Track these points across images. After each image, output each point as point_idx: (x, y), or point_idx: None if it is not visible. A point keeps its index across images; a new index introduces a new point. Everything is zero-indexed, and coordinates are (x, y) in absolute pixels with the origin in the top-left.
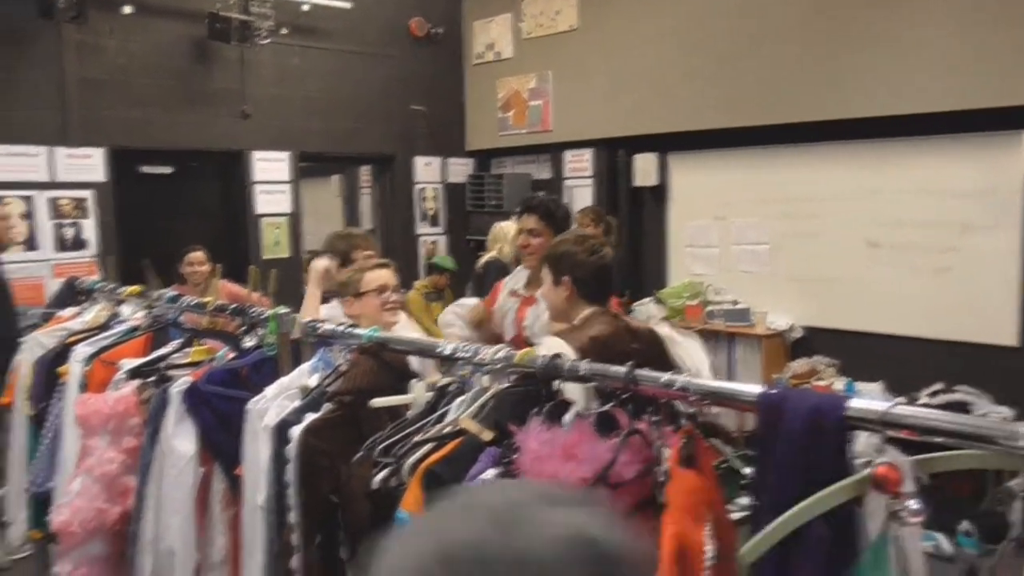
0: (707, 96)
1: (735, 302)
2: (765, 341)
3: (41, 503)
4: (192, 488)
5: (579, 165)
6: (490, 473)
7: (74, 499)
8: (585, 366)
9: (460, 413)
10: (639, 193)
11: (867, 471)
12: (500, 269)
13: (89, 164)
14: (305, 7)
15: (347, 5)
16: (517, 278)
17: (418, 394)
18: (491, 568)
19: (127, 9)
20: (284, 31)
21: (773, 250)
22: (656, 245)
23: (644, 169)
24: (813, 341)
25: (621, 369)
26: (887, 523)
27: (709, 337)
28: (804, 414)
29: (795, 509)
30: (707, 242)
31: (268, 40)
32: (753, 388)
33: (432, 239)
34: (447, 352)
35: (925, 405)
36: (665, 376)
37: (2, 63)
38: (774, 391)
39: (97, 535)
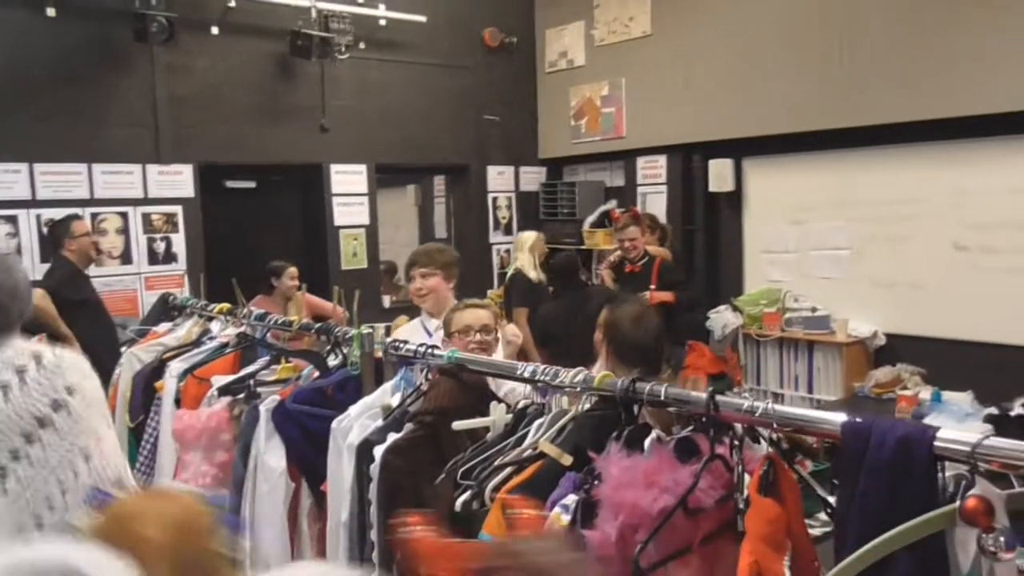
0: (783, 99)
1: (814, 309)
2: (846, 349)
3: None
4: (284, 502)
5: (653, 171)
6: (570, 499)
7: None
8: (666, 390)
9: (539, 436)
10: (714, 199)
11: (956, 504)
12: (522, 281)
13: (179, 180)
14: (382, 21)
15: (422, 18)
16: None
17: (498, 416)
18: None
19: (215, 30)
20: (362, 46)
21: (854, 255)
22: (732, 251)
23: (719, 174)
24: (897, 349)
25: (701, 395)
26: (978, 558)
27: (788, 345)
28: (891, 446)
29: (879, 540)
30: (784, 248)
31: (347, 55)
32: (837, 416)
33: (505, 248)
34: (526, 374)
35: (1019, 416)
36: (746, 403)
37: (101, 86)
38: (859, 420)
39: None
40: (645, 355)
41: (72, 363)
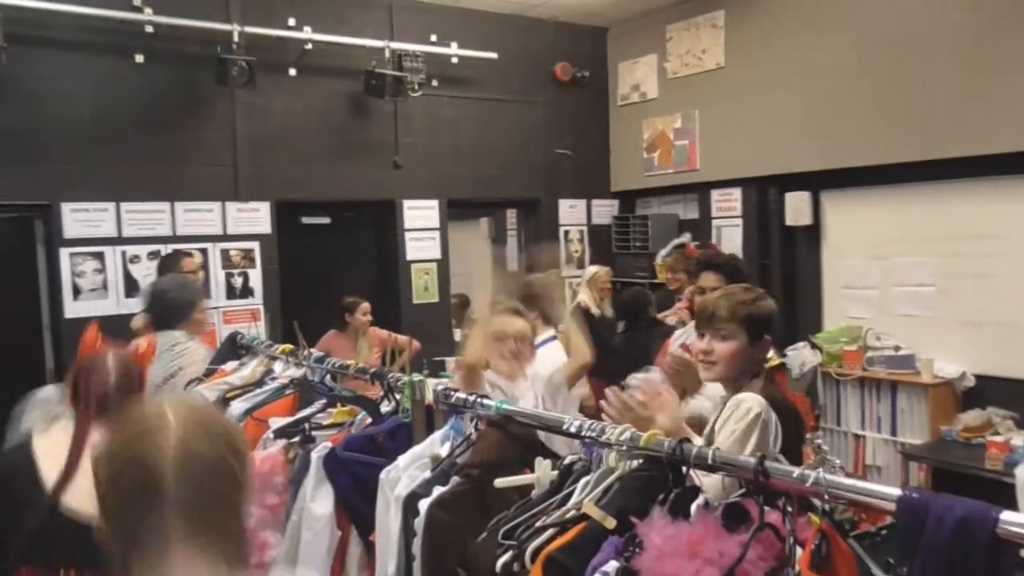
0: (861, 131)
1: (897, 347)
2: (932, 390)
3: None
4: (328, 551)
5: (727, 204)
6: (611, 566)
7: None
8: (713, 454)
9: (584, 495)
10: (791, 232)
11: None
12: (582, 315)
13: (256, 217)
14: (454, 59)
15: (493, 55)
16: (689, 332)
17: (543, 473)
18: None
19: (292, 71)
20: (434, 83)
21: (939, 292)
22: (810, 287)
23: (796, 207)
24: (987, 391)
25: (750, 460)
26: None
27: (869, 384)
28: (950, 526)
29: None
30: (865, 283)
31: (419, 92)
32: (893, 491)
33: (578, 281)
34: (572, 429)
35: None
36: (797, 470)
37: (184, 128)
38: (915, 496)
39: None
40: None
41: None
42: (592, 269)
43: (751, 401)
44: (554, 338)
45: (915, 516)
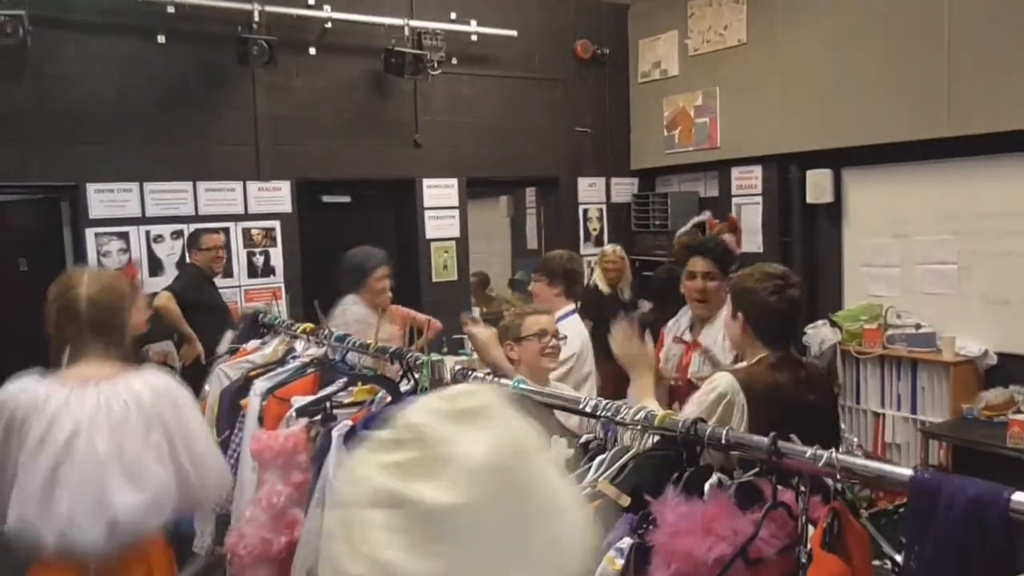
0: (883, 108)
1: (918, 326)
2: (953, 368)
3: (226, 522)
4: None
5: (748, 182)
6: (625, 542)
7: (243, 526)
8: (727, 433)
9: (599, 473)
10: (812, 210)
11: None
12: (589, 293)
13: (277, 196)
14: (474, 37)
15: (514, 33)
16: (680, 323)
17: (559, 451)
18: None
19: (312, 51)
20: (454, 61)
21: (962, 270)
22: (831, 265)
23: (817, 185)
24: (1010, 369)
25: (763, 440)
26: None
27: (889, 362)
28: (962, 506)
29: None
30: (886, 262)
31: (439, 71)
32: (905, 471)
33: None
34: (588, 408)
35: None
36: (810, 450)
37: (206, 107)
38: (927, 476)
39: (263, 562)
40: (789, 326)
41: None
42: (605, 247)
43: (719, 380)
44: (574, 311)
45: (927, 496)
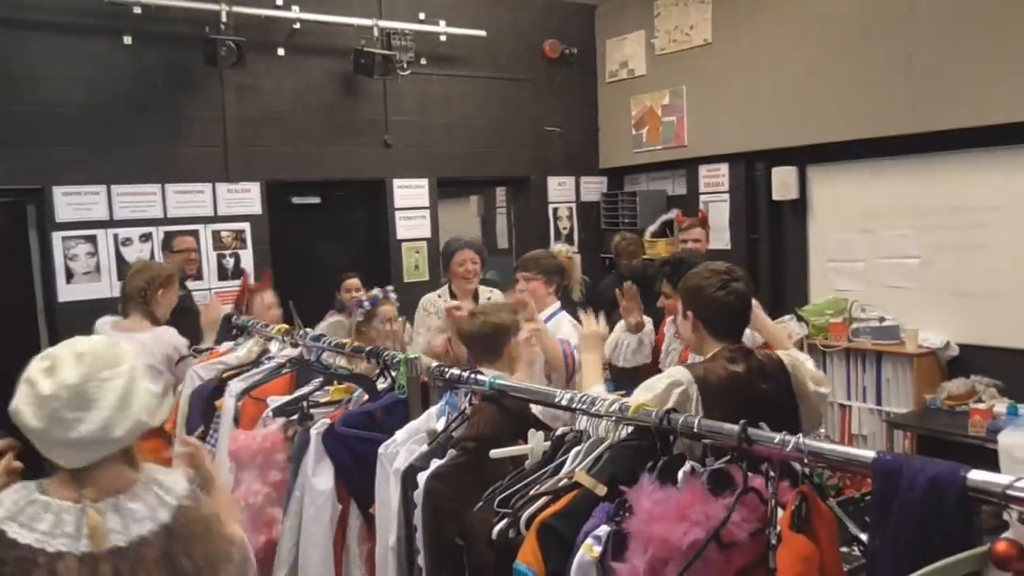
0: (847, 105)
1: (882, 319)
2: (917, 360)
3: None
4: (330, 523)
5: (715, 180)
6: (603, 530)
7: None
8: (699, 423)
9: (576, 465)
10: (778, 207)
11: (985, 546)
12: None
13: (247, 198)
14: (443, 37)
15: (482, 33)
16: None
17: (536, 444)
18: None
19: (281, 51)
20: (423, 61)
21: (925, 264)
22: (797, 260)
23: (783, 182)
24: (971, 360)
25: (734, 428)
26: None
27: (855, 355)
28: (923, 485)
29: None
30: (851, 256)
31: (408, 71)
32: (868, 453)
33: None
34: (564, 402)
35: None
36: (778, 436)
37: (174, 109)
38: (890, 458)
39: None
40: (737, 320)
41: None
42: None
43: (674, 370)
44: (562, 309)
45: (889, 477)
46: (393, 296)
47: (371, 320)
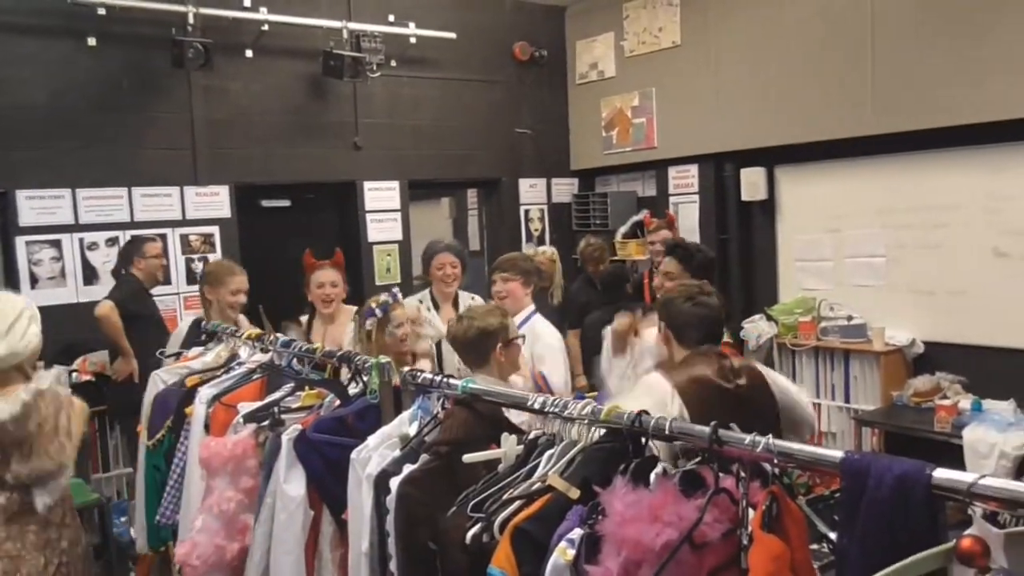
0: (814, 107)
1: (850, 317)
2: (883, 358)
3: (170, 532)
4: (302, 530)
5: (684, 181)
6: (576, 533)
7: (195, 535)
8: (671, 424)
9: (549, 468)
10: (747, 207)
11: (950, 543)
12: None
13: (216, 201)
14: (413, 39)
15: (452, 35)
16: None
17: (509, 448)
18: None
19: (249, 53)
20: (393, 63)
21: (890, 262)
22: (766, 260)
23: (752, 183)
24: (936, 357)
25: (705, 429)
26: None
27: (824, 354)
28: (889, 484)
29: None
30: (819, 256)
31: (378, 73)
32: (836, 453)
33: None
34: (536, 405)
35: None
36: (748, 437)
37: (140, 111)
38: (857, 457)
39: (216, 569)
40: (709, 331)
41: None
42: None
43: (651, 381)
44: (537, 312)
45: (858, 476)
46: (402, 297)
47: (384, 327)
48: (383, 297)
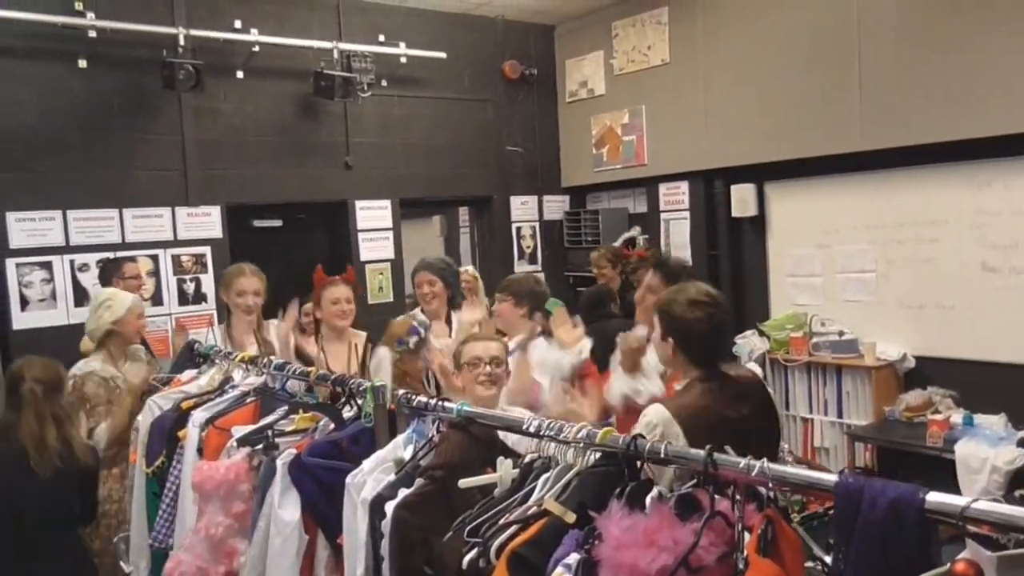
0: (803, 124)
1: (841, 332)
2: (875, 372)
3: (164, 557)
4: (297, 555)
5: (675, 198)
6: (572, 558)
7: (181, 552)
8: (666, 448)
9: (545, 492)
10: (737, 224)
11: (945, 567)
12: None
13: (207, 221)
14: (403, 59)
15: (442, 55)
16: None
17: (504, 472)
18: None
19: (240, 74)
20: (384, 83)
21: (880, 277)
22: (757, 276)
23: (742, 199)
24: (927, 371)
25: (700, 453)
26: None
27: (816, 369)
28: (883, 507)
29: None
30: (810, 271)
31: (369, 93)
32: (831, 477)
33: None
34: (532, 429)
35: None
36: (743, 461)
37: (131, 133)
38: (851, 480)
39: None
40: (715, 346)
41: None
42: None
43: (650, 411)
44: (541, 333)
45: (851, 499)
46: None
47: (419, 351)
48: (419, 318)
